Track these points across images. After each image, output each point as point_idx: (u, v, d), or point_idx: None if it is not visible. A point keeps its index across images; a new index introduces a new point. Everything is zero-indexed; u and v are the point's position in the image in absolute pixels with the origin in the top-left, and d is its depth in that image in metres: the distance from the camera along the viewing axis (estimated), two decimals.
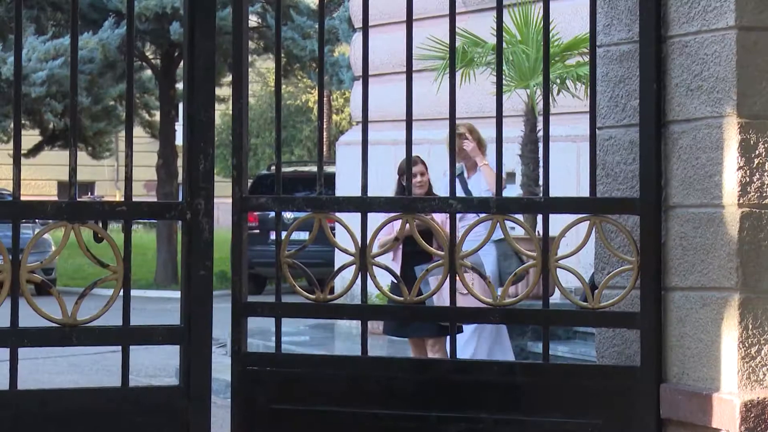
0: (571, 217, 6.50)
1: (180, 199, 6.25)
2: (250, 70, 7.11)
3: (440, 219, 6.71)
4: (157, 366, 14.71)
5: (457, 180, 9.31)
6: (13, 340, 5.99)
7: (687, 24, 6.17)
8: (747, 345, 5.95)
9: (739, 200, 5.94)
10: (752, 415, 5.86)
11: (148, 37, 34.98)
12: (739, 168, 5.94)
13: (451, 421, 6.36)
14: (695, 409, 6.05)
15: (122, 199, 6.33)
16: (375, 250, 6.55)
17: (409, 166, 6.70)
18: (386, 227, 6.68)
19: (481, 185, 11.02)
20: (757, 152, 5.95)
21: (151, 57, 36.73)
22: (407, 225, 6.56)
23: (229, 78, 6.99)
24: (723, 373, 5.99)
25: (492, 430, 6.35)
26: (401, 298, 6.57)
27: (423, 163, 10.46)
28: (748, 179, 5.94)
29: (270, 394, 6.53)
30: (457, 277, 6.41)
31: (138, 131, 34.09)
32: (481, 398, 6.39)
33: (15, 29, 6.26)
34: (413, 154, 6.63)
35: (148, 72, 36.92)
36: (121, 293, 6.10)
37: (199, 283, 6.07)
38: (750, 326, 5.96)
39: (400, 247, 9.71)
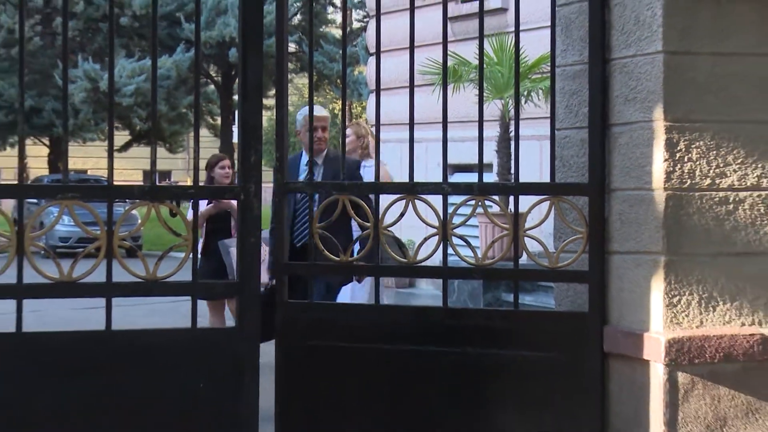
0: (536, 198, 6.50)
1: (236, 184, 6.23)
2: (289, 85, 7.10)
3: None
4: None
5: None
6: (108, 291, 5.99)
7: (625, 49, 6.14)
8: (670, 296, 5.94)
9: (664, 185, 5.93)
10: (674, 349, 5.86)
11: (211, 60, 35.15)
12: (665, 160, 5.93)
13: (444, 354, 6.35)
14: (630, 345, 6.05)
15: (192, 184, 6.33)
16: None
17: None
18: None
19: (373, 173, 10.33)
20: (678, 148, 5.94)
21: (213, 75, 36.86)
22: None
23: (273, 91, 7.04)
24: (652, 318, 5.98)
25: (475, 361, 6.34)
26: (405, 260, 6.57)
27: (230, 158, 10.06)
28: (671, 169, 5.93)
29: (305, 333, 6.52)
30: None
31: (203, 132, 34.20)
32: (467, 337, 6.38)
33: (109, 53, 6.25)
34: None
35: (212, 87, 37.00)
36: (190, 256, 6.10)
37: (250, 249, 6.06)
38: (673, 281, 5.95)
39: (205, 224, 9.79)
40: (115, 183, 6.12)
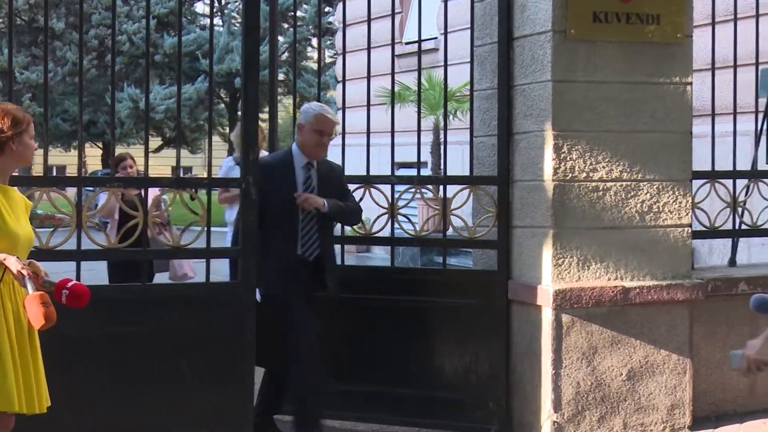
0: (459, 187, 6.48)
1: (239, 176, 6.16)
2: (279, 104, 7.06)
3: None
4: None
5: (239, 167, 7.96)
6: (144, 255, 5.94)
7: (524, 78, 6.14)
8: (556, 258, 5.95)
9: (552, 177, 5.93)
10: (559, 297, 5.88)
11: (222, 86, 34.89)
12: (553, 159, 5.93)
13: (393, 300, 6.33)
14: (528, 294, 6.05)
15: (206, 176, 6.27)
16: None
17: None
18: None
19: None
20: (562, 150, 5.94)
21: (223, 97, 36.63)
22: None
23: (266, 108, 6.91)
24: (543, 274, 5.99)
25: (415, 305, 6.32)
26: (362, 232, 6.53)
27: (132, 158, 8.77)
28: (557, 166, 5.93)
29: None
30: None
31: (215, 138, 33.97)
32: (409, 288, 6.36)
33: (145, 81, 6.18)
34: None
35: (222, 105, 36.81)
36: (205, 229, 6.03)
37: (249, 223, 6.00)
38: (558, 248, 5.95)
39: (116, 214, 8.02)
40: (149, 176, 6.06)
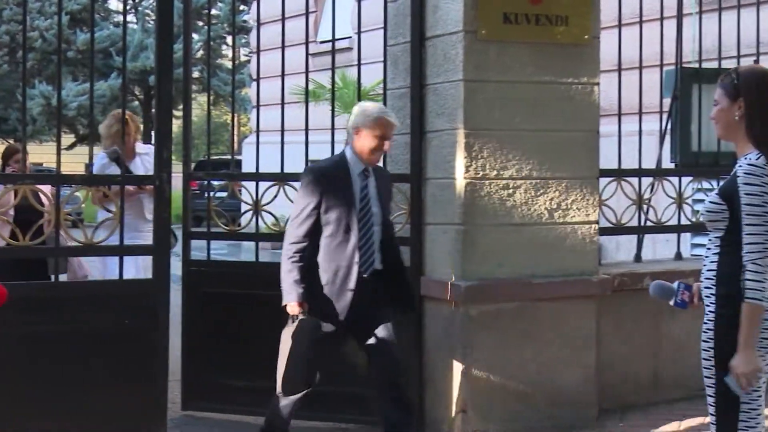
0: None
1: (153, 173, 6.12)
2: (193, 102, 7.01)
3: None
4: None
5: (114, 164, 7.25)
6: (56, 252, 5.87)
7: (437, 77, 6.19)
8: (467, 255, 6.00)
9: (464, 175, 5.98)
10: (470, 293, 5.94)
11: (136, 83, 34.49)
12: (465, 157, 5.98)
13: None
14: (440, 290, 6.10)
15: (120, 174, 6.21)
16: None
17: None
18: None
19: (139, 169, 7.37)
20: (474, 149, 6.00)
21: (138, 94, 36.21)
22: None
23: (181, 106, 6.86)
24: (454, 271, 6.03)
25: None
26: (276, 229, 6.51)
27: (25, 151, 8.30)
28: (469, 164, 5.99)
29: (203, 282, 6.46)
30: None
31: None
32: None
33: (57, 78, 6.10)
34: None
35: (136, 103, 36.38)
36: (119, 226, 5.98)
37: (163, 221, 5.97)
38: (469, 244, 6.01)
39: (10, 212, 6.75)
40: (62, 173, 5.99)
